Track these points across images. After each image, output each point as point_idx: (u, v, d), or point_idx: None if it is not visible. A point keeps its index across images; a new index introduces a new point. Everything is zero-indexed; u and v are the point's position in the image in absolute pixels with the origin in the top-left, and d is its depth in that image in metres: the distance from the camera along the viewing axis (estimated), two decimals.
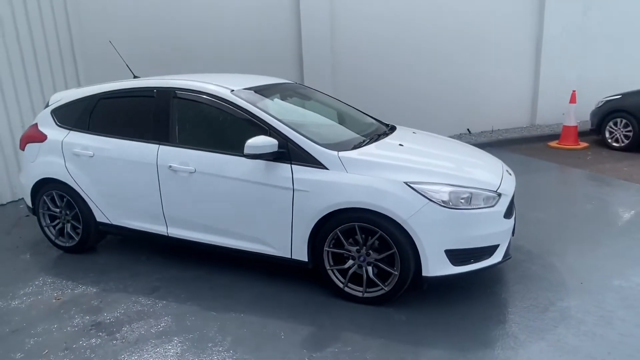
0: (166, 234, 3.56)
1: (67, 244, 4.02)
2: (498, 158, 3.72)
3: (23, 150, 4.07)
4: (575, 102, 7.68)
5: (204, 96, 3.35)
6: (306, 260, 3.11)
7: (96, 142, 3.66)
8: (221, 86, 3.36)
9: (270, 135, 3.06)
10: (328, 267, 3.06)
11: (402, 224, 2.76)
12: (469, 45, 8.48)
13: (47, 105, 4.07)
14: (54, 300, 3.27)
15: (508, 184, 3.13)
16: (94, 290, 3.39)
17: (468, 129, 8.85)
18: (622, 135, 7.28)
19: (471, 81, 8.66)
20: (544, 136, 8.43)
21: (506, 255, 3.03)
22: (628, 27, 9.41)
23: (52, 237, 4.07)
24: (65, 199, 3.89)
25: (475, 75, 8.67)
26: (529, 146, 8.02)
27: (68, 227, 3.98)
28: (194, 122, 3.42)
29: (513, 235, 3.19)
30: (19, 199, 5.61)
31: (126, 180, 3.55)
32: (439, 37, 8.23)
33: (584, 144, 7.72)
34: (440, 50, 8.31)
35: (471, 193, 2.84)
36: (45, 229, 4.08)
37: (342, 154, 2.97)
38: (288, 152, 3.02)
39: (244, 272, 3.54)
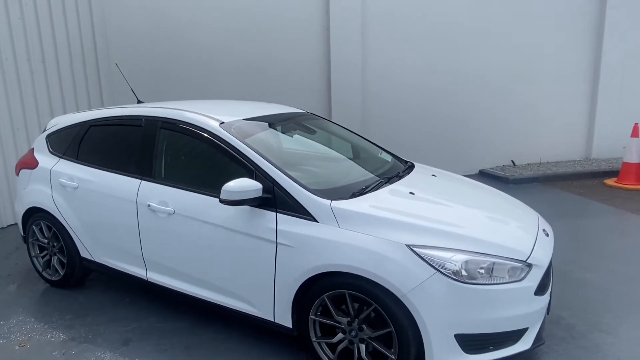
0: (145, 278, 3.20)
1: (53, 278, 3.76)
2: (539, 206, 3.11)
3: (17, 175, 3.90)
4: (637, 136, 6.77)
5: (190, 128, 2.99)
6: (290, 326, 2.62)
7: (81, 173, 3.39)
8: (210, 117, 2.99)
9: (255, 177, 2.64)
10: (314, 339, 2.55)
11: (400, 298, 2.22)
12: (516, 71, 7.78)
13: (44, 130, 3.89)
14: (17, 347, 2.97)
15: (543, 250, 2.51)
16: (62, 337, 3.06)
17: (512, 161, 8.06)
18: None
19: (518, 109, 7.92)
20: (600, 172, 7.51)
21: (537, 341, 2.41)
22: None
23: (40, 269, 3.83)
24: (52, 231, 3.65)
25: (522, 103, 7.93)
26: (582, 183, 7.15)
27: (54, 260, 3.72)
28: (178, 157, 3.07)
29: (548, 313, 2.55)
30: None
31: (107, 216, 3.24)
32: (482, 63, 7.61)
33: None
34: (483, 77, 7.67)
35: (493, 262, 2.27)
36: (34, 259, 3.86)
37: (335, 203, 2.48)
38: (274, 198, 2.58)
39: (231, 329, 3.10)
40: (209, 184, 2.83)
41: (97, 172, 3.32)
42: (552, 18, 7.69)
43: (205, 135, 2.91)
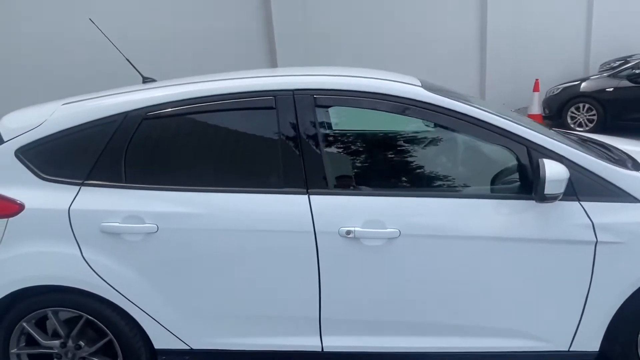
0: (319, 350, 2.00)
1: None
2: None
3: None
4: (538, 91, 7.74)
5: (376, 100, 1.90)
6: (596, 350, 1.95)
7: (158, 203, 1.88)
8: (404, 83, 1.95)
9: (530, 158, 1.83)
10: None
11: None
12: (416, 40, 8.09)
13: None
14: None
15: None
16: None
17: None
18: (585, 120, 7.54)
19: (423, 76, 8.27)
20: None
21: None
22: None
23: None
24: (79, 321, 1.99)
25: (426, 70, 8.28)
26: None
27: None
28: (371, 147, 1.93)
29: None
30: None
31: (240, 267, 1.88)
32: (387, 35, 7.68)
33: None
34: (387, 48, 7.77)
35: None
36: None
37: None
38: (571, 184, 1.83)
39: None
40: (452, 180, 1.86)
41: (199, 198, 1.87)
42: None
43: (416, 107, 1.88)
